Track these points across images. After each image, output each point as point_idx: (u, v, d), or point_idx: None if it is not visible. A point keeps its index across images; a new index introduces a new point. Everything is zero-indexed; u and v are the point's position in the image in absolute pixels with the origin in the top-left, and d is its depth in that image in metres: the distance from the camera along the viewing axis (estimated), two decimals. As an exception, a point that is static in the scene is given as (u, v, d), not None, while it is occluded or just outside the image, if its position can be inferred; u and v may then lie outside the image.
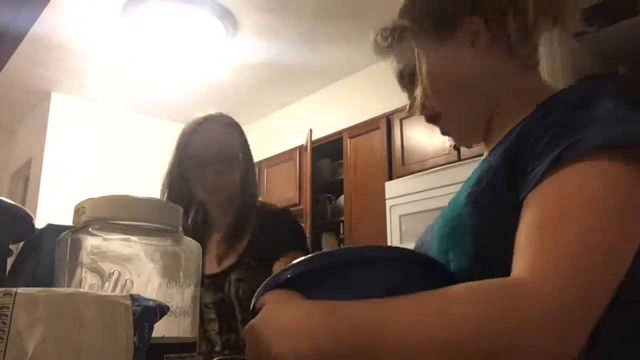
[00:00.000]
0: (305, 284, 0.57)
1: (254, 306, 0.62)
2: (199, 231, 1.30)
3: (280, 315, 0.55)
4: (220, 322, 1.24)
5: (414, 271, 0.59)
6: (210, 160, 1.23)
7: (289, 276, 0.57)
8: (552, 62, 0.72)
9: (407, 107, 0.80)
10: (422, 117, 0.79)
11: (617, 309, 0.50)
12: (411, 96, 0.79)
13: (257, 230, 1.28)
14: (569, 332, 0.46)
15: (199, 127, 1.29)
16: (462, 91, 0.73)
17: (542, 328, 0.45)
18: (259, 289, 0.62)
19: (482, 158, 0.80)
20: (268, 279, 0.61)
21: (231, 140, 1.28)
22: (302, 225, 1.35)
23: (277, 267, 1.19)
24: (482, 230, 0.59)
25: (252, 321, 0.59)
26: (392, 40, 0.78)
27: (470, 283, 0.51)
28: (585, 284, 0.47)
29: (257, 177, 1.37)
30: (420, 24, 0.74)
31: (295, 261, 0.58)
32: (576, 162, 0.52)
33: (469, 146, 0.81)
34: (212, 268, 1.26)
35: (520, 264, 0.51)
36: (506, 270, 0.55)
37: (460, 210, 0.62)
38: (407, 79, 0.78)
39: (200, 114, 1.32)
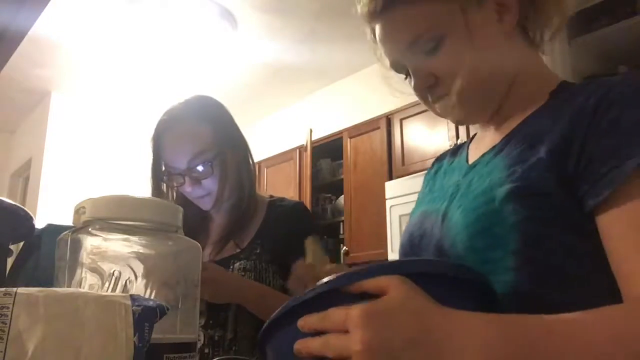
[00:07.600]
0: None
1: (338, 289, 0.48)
2: (199, 215, 1.19)
3: (442, 321, 0.45)
4: (207, 315, 1.09)
5: (468, 291, 0.53)
6: (184, 174, 1.13)
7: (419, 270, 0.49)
8: (552, 63, 0.71)
9: (415, 85, 0.70)
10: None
11: None
12: (418, 73, 0.69)
13: (268, 222, 1.16)
14: None
15: (164, 134, 1.15)
16: (486, 67, 0.66)
17: None
18: (366, 269, 0.48)
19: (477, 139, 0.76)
20: (374, 265, 0.48)
21: (202, 142, 1.11)
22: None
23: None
24: (529, 228, 0.55)
25: (386, 304, 0.45)
26: (393, 4, 0.67)
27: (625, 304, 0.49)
28: None
29: (251, 164, 1.21)
30: None
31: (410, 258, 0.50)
32: None
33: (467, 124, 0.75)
34: (211, 255, 1.15)
35: None
36: (553, 271, 0.54)
37: (499, 206, 0.57)
38: (419, 51, 0.67)
39: (169, 106, 1.18)
